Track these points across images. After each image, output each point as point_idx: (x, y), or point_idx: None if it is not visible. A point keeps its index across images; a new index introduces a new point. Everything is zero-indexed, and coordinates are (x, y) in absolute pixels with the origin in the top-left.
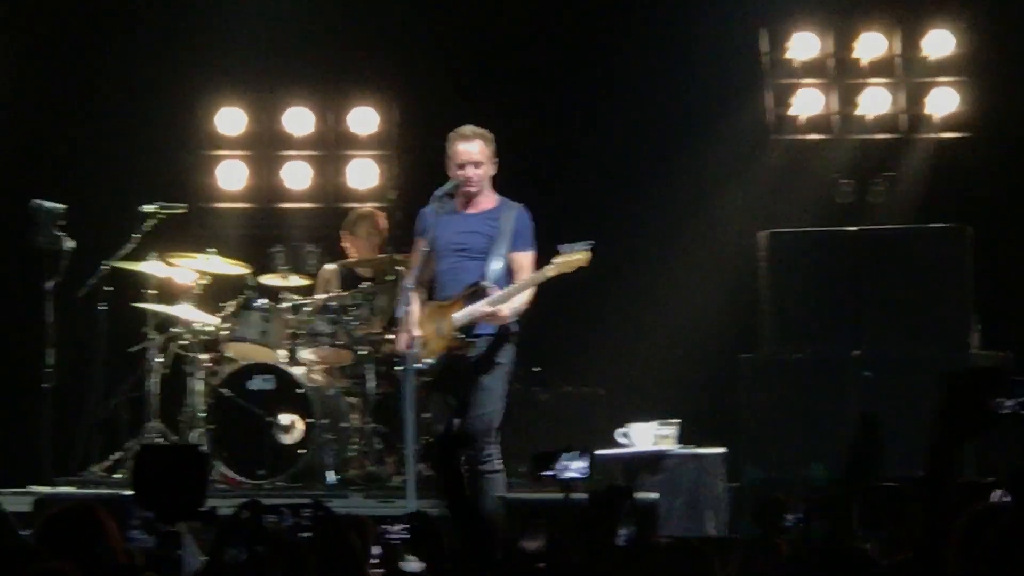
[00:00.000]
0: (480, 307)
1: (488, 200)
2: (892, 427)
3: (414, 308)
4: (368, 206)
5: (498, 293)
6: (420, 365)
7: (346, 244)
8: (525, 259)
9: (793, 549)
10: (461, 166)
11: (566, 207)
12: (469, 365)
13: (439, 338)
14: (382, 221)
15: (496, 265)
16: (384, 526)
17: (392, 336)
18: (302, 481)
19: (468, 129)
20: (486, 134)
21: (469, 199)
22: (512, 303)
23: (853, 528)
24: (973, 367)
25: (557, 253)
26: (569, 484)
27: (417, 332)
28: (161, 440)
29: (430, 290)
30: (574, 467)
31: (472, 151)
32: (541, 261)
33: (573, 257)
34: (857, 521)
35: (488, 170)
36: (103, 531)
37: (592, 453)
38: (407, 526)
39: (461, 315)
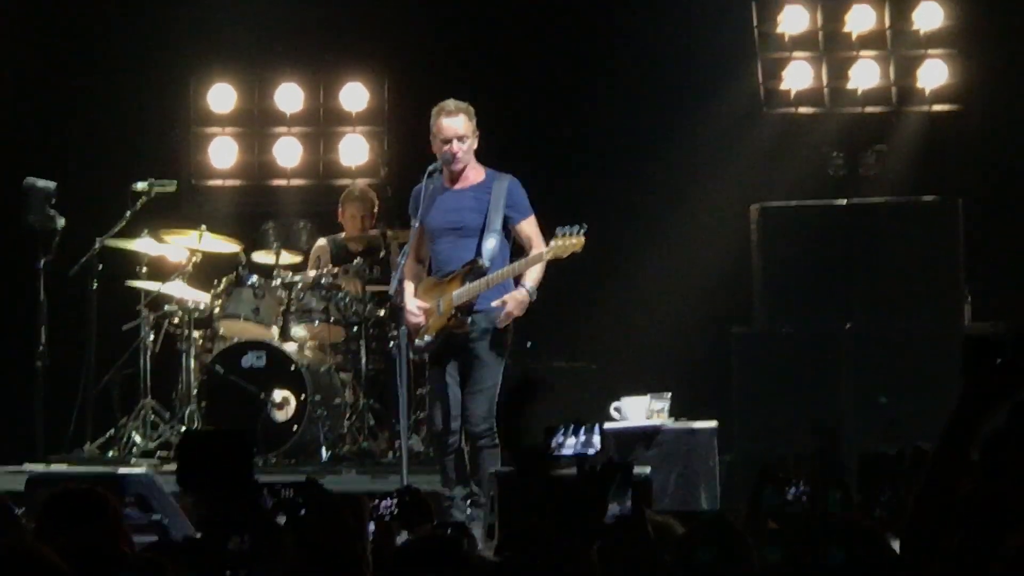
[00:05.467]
0: (512, 299)
1: (476, 173)
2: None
3: (408, 285)
4: (361, 182)
5: (515, 291)
6: (418, 342)
7: (341, 218)
8: (529, 226)
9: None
10: (447, 141)
11: (557, 182)
12: (469, 341)
13: (437, 316)
14: (372, 199)
15: (491, 242)
16: (378, 500)
17: (382, 313)
18: (295, 458)
19: (451, 104)
20: (468, 108)
21: (456, 174)
22: (532, 277)
23: (852, 497)
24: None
25: (554, 235)
26: (582, 459)
27: (422, 304)
28: (154, 418)
29: (428, 268)
30: (585, 441)
31: (457, 126)
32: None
33: (569, 241)
34: (855, 488)
35: (472, 144)
36: (106, 515)
37: (602, 427)
38: (395, 500)
39: (459, 293)
